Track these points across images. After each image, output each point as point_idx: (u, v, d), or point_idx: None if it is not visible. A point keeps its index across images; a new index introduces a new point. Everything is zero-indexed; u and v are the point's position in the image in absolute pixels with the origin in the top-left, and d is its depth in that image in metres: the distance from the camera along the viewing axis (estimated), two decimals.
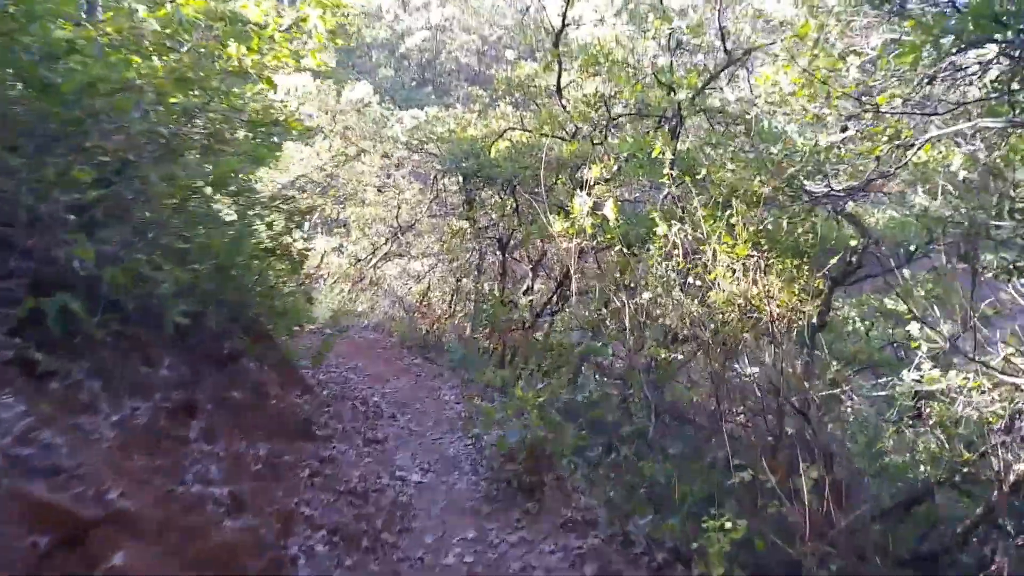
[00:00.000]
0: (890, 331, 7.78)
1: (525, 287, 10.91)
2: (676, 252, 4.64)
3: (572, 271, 5.71)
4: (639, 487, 3.66)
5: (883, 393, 4.64)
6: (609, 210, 5.44)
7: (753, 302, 3.75)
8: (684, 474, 3.68)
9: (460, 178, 11.14)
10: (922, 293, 7.19)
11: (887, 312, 7.39)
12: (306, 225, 15.79)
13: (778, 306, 3.74)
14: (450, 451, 5.01)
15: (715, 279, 3.88)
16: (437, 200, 13.75)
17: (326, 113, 17.55)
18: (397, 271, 16.06)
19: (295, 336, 6.64)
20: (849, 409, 5.60)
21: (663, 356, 4.45)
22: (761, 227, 3.88)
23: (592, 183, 5.72)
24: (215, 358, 4.60)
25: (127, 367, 3.58)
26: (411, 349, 8.95)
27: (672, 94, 6.47)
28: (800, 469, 3.29)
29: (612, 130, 9.30)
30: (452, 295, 11.84)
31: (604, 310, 6.25)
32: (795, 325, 3.85)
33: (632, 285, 5.81)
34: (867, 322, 7.95)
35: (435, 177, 12.73)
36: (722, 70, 6.97)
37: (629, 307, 5.49)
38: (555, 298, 10.24)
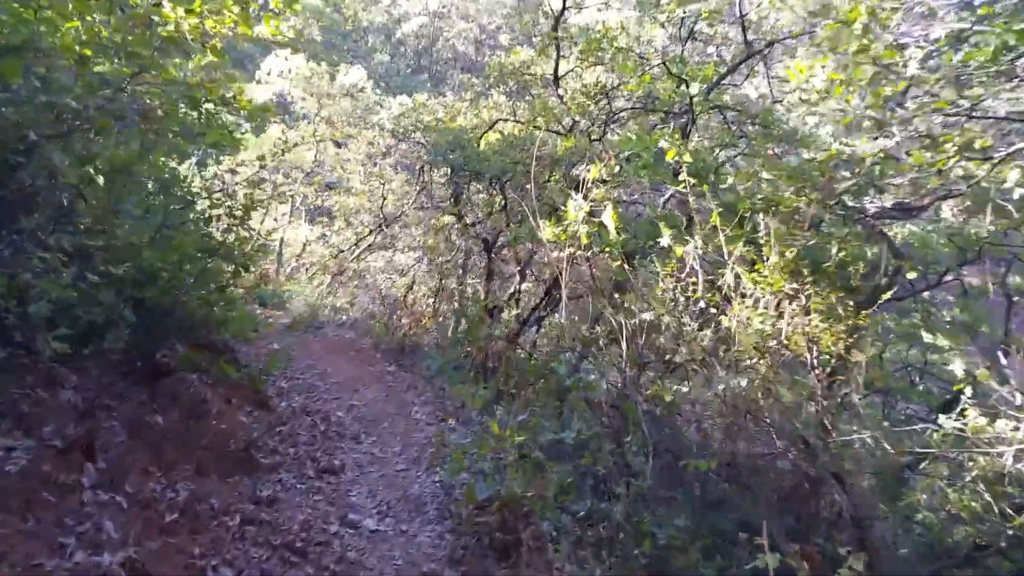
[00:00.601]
0: (905, 353, 7.20)
1: (512, 290, 10.26)
2: (691, 278, 3.99)
3: (563, 283, 5.07)
4: (637, 559, 3.03)
5: (904, 428, 4.04)
6: (608, 218, 4.77)
7: (791, 347, 3.11)
8: (691, 544, 3.05)
9: (448, 170, 10.44)
10: (947, 318, 6.63)
11: (905, 334, 6.80)
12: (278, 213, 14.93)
13: (820, 351, 3.11)
14: (415, 488, 4.35)
15: (737, 312, 3.23)
16: (424, 192, 13.03)
17: (312, 95, 16.80)
18: (381, 264, 15.43)
19: (254, 341, 5.96)
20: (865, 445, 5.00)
21: (665, 388, 3.81)
22: (802, 252, 3.23)
23: (589, 184, 5.05)
24: (141, 373, 3.91)
25: (5, 394, 2.90)
26: (386, 353, 8.28)
27: (684, 87, 5.81)
28: (836, 547, 2.66)
29: (611, 126, 8.64)
30: (435, 295, 11.16)
31: (596, 328, 5.61)
32: (837, 379, 3.22)
33: (629, 305, 5.17)
34: (881, 343, 7.37)
35: (422, 168, 12.02)
36: (741, 62, 6.32)
37: (627, 328, 4.85)
38: (543, 303, 9.60)
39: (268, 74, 19.91)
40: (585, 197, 5.01)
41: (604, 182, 5.83)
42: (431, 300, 11.98)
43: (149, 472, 3.19)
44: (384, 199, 13.92)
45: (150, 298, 3.72)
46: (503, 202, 9.31)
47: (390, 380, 7.13)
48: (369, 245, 14.66)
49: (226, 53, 4.30)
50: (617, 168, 5.09)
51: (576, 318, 6.20)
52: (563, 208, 4.96)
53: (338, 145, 15.48)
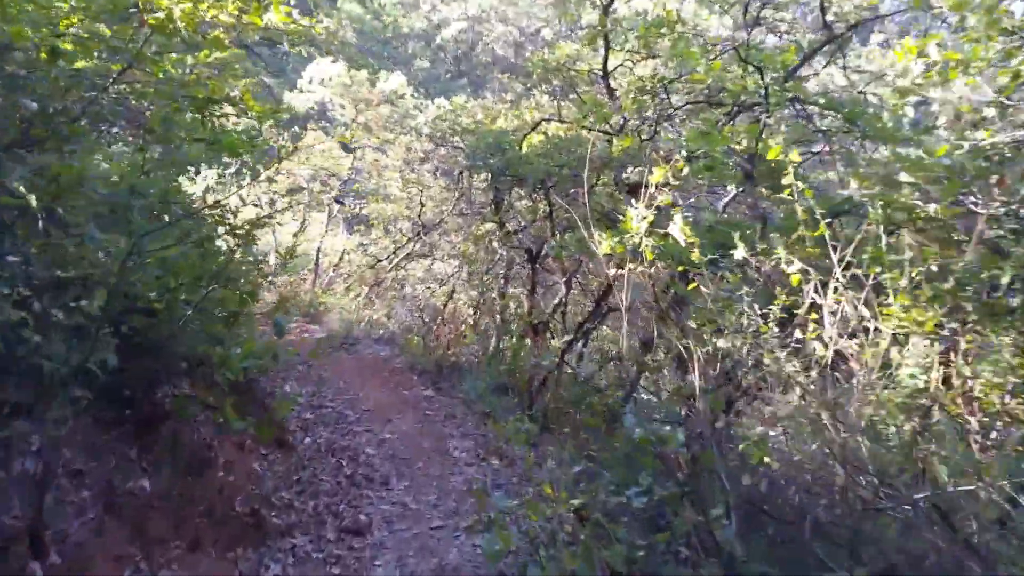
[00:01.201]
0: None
1: (557, 301, 9.54)
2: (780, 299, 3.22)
3: (623, 306, 4.34)
4: None
5: None
6: (677, 228, 4.03)
7: (948, 407, 2.32)
8: None
9: (488, 175, 9.80)
10: None
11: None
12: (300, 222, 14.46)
13: (984, 412, 2.32)
14: (452, 555, 3.67)
15: (868, 360, 2.45)
16: (464, 198, 12.42)
17: (351, 102, 16.39)
18: (420, 273, 14.96)
19: (271, 371, 5.40)
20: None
21: (762, 446, 3.05)
22: (963, 279, 2.44)
23: (650, 190, 4.31)
24: (130, 423, 3.33)
25: None
26: (423, 374, 7.66)
27: (759, 76, 5.02)
28: None
29: (665, 123, 7.86)
30: (475, 307, 10.52)
31: (660, 355, 4.87)
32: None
33: (703, 326, 4.43)
34: None
35: (460, 173, 11.41)
36: (821, 47, 5.50)
37: (698, 357, 4.10)
38: (591, 316, 8.86)
39: (309, 82, 19.77)
40: (649, 205, 4.27)
41: (669, 186, 5.09)
42: (471, 311, 11.37)
43: (124, 558, 2.59)
44: (422, 206, 13.41)
45: (139, 333, 3.14)
46: (548, 209, 8.62)
47: (426, 406, 6.49)
48: (408, 254, 14.16)
49: (249, 52, 3.74)
50: (685, 170, 4.33)
51: (636, 344, 5.45)
52: (616, 214, 4.24)
53: (379, 152, 14.99)
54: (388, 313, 12.00)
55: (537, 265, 9.13)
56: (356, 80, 16.97)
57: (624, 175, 7.66)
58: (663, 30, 5.46)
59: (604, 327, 9.77)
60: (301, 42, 10.31)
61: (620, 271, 4.52)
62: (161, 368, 3.35)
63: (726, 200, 7.45)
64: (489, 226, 10.78)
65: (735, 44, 5.48)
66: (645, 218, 4.29)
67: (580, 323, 8.54)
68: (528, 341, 7.44)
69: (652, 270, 4.48)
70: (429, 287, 13.99)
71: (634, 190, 7.37)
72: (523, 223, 10.42)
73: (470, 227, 13.43)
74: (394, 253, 14.22)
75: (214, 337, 3.43)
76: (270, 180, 15.55)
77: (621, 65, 7.93)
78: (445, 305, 11.69)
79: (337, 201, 13.77)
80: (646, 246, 4.28)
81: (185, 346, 3.36)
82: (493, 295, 10.38)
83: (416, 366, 7.92)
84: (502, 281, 10.67)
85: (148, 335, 3.22)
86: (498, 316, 9.45)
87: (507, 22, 43.03)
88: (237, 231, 3.65)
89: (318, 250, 14.30)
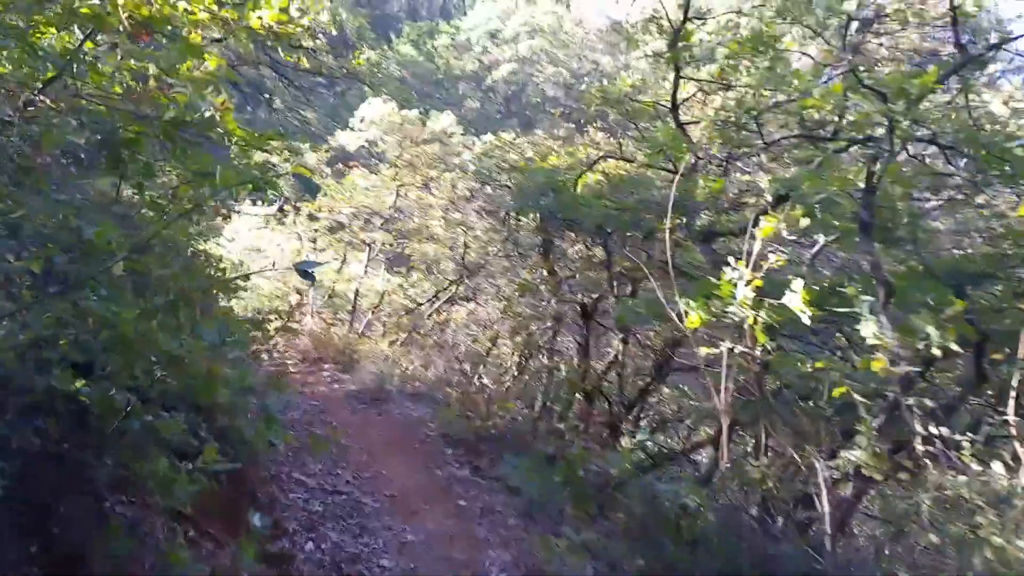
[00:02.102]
0: None
1: (612, 357, 8.44)
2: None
3: (721, 404, 3.24)
4: None
5: None
6: (798, 299, 2.96)
7: None
8: None
9: (537, 217, 8.86)
10: None
11: None
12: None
13: None
14: None
15: None
16: (510, 240, 11.51)
17: (402, 140, 15.72)
18: (462, 316, 14.12)
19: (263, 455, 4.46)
20: None
21: None
22: None
23: (757, 247, 3.26)
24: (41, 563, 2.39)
25: None
26: (458, 447, 6.62)
27: (881, 103, 3.94)
28: None
29: (741, 161, 6.80)
30: (519, 367, 9.48)
31: (764, 462, 3.74)
32: None
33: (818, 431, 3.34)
34: None
35: (507, 215, 10.52)
36: (954, 71, 4.42)
37: (824, 477, 2.99)
38: (652, 381, 7.72)
39: (361, 121, 19.49)
40: (757, 267, 3.21)
41: (777, 241, 4.04)
42: (514, 366, 10.34)
43: None
44: (466, 248, 12.61)
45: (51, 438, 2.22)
46: (605, 258, 7.61)
47: (459, 494, 5.44)
48: (449, 298, 13.29)
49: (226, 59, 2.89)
50: (804, 221, 3.26)
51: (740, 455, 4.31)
52: (719, 282, 3.19)
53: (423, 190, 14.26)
54: (425, 363, 11.04)
55: (591, 321, 8.07)
56: (407, 119, 16.60)
57: (696, 220, 6.58)
58: (760, 47, 4.46)
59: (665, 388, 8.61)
60: (342, 75, 9.75)
61: (713, 349, 3.45)
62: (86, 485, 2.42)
63: (815, 251, 6.30)
64: (536, 273, 9.83)
65: (848, 67, 4.44)
66: (750, 283, 3.22)
67: (642, 389, 7.42)
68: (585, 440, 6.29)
69: (758, 351, 3.39)
70: (471, 334, 13.13)
71: (709, 239, 6.30)
72: (575, 271, 9.43)
73: (516, 271, 12.56)
74: (435, 296, 13.35)
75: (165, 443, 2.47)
76: (311, 217, 15.06)
77: (692, 96, 6.95)
78: (488, 351, 10.71)
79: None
80: (752, 320, 3.21)
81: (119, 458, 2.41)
82: (539, 353, 9.33)
83: (451, 436, 6.90)
84: (550, 334, 9.63)
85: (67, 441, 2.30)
86: (544, 379, 8.39)
87: (557, 63, 42.92)
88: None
89: (356, 292, 13.54)
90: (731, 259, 3.32)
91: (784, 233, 3.30)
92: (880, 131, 4.24)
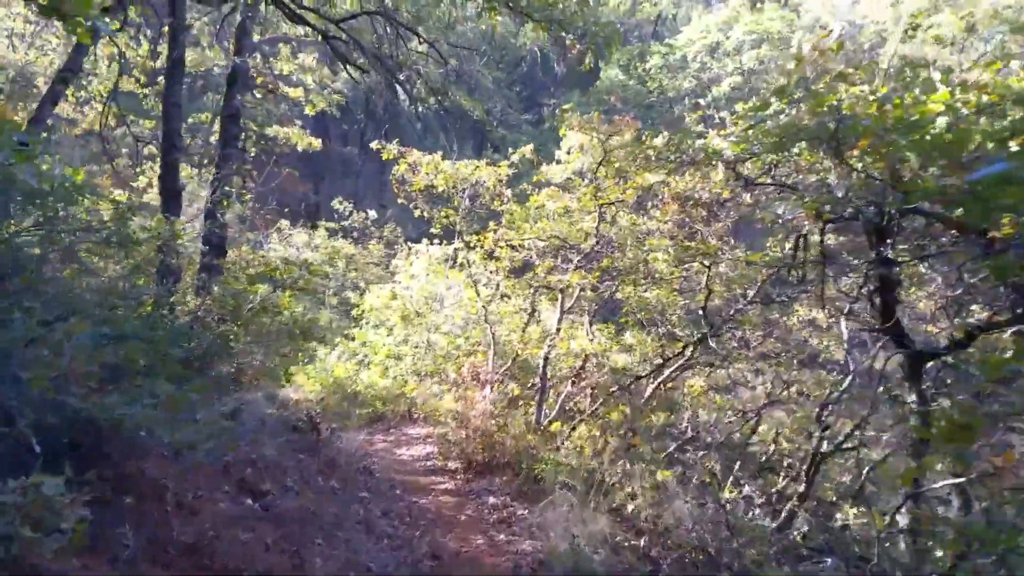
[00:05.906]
0: None
1: None
2: None
3: None
4: None
5: None
6: None
7: None
8: None
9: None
10: None
11: None
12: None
13: None
14: None
15: None
16: (790, 273, 6.52)
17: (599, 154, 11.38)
18: (702, 397, 9.45)
19: None
20: None
21: None
22: None
23: None
24: None
25: None
26: None
27: None
28: None
29: None
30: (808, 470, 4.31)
31: None
32: None
33: None
34: None
35: (798, 237, 5.63)
36: None
37: None
38: None
39: (568, 152, 16.01)
40: None
41: None
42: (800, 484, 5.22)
43: None
44: (709, 291, 7.85)
45: None
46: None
47: None
48: (682, 365, 8.45)
49: None
50: None
51: None
52: None
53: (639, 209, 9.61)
54: (656, 496, 6.16)
55: None
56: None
57: None
58: None
59: None
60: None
61: None
62: None
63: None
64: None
65: None
66: None
67: None
68: None
69: None
70: (730, 421, 8.67)
71: None
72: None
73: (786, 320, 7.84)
74: (662, 365, 8.52)
75: None
76: (490, 256, 11.23)
77: None
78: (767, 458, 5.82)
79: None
80: None
81: None
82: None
83: None
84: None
85: None
86: None
87: (785, 73, 36.37)
88: None
89: (545, 358, 9.18)
90: None
91: None
92: None
